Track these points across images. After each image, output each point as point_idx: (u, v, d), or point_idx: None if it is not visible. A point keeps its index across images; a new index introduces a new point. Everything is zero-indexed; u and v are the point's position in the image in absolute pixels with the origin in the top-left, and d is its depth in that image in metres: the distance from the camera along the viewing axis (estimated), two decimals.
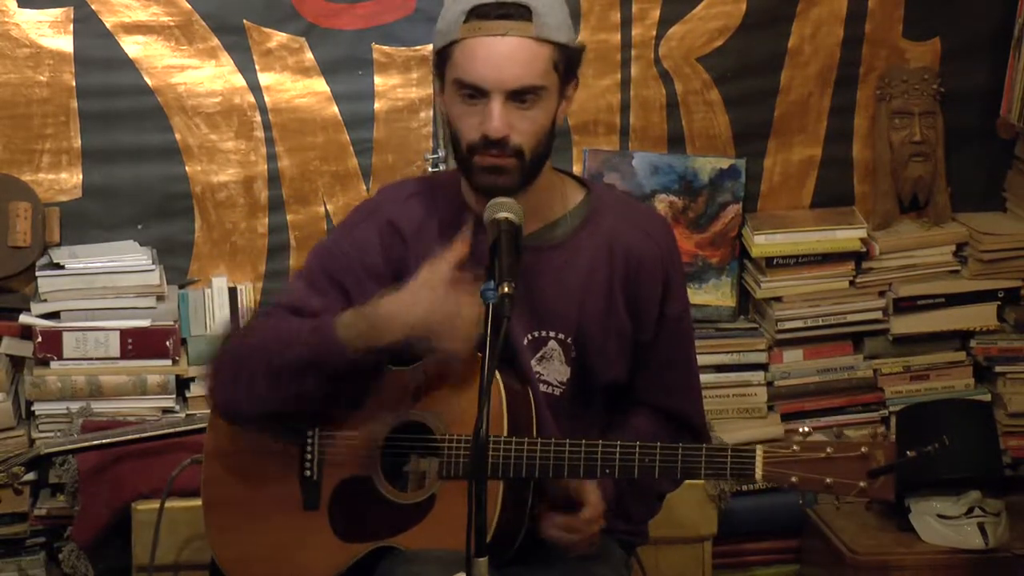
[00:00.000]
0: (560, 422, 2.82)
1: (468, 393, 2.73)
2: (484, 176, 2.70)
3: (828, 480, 2.61)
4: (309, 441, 2.83)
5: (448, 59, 2.71)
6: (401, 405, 2.79)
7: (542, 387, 2.83)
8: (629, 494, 2.85)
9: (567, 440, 2.70)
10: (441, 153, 4.14)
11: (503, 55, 2.66)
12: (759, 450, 2.64)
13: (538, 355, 2.82)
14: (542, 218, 2.81)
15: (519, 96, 2.67)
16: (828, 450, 2.61)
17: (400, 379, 2.81)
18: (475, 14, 2.67)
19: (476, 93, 2.68)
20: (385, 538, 2.79)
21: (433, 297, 2.63)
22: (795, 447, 2.62)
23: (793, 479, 2.62)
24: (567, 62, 2.73)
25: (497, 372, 2.64)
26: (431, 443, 2.77)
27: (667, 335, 2.88)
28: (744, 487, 4.04)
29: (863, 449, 2.61)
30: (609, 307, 2.81)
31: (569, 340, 2.82)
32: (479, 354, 2.71)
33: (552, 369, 2.82)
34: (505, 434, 2.69)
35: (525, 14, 2.66)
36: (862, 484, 2.61)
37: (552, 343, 2.82)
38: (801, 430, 2.68)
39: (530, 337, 2.81)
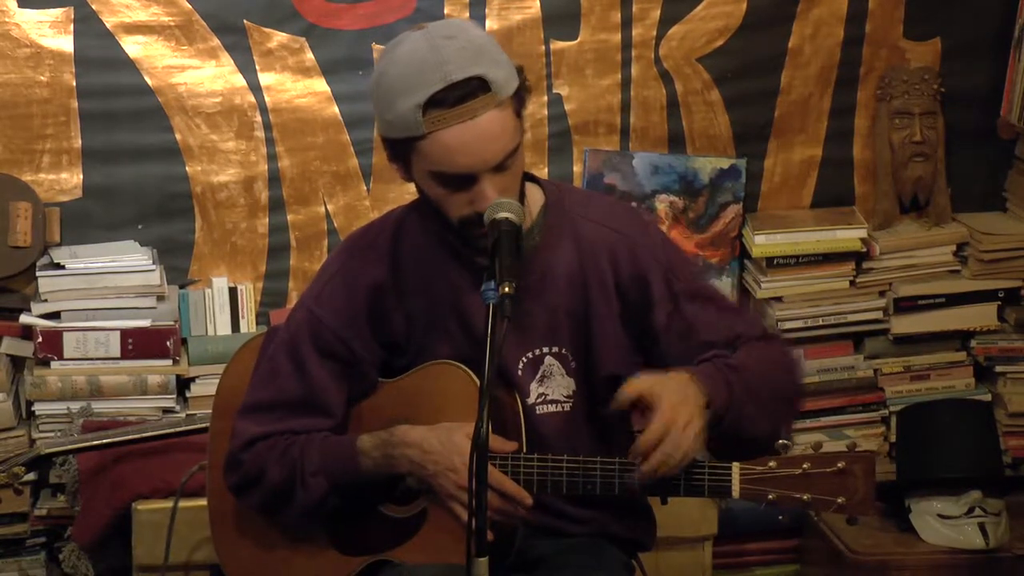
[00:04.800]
0: (581, 436, 2.79)
1: (453, 405, 2.72)
2: (484, 240, 2.63)
3: (806, 497, 2.59)
4: None
5: (413, 151, 2.60)
6: (388, 415, 2.78)
7: (550, 407, 2.79)
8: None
9: (549, 456, 2.67)
10: None
11: (479, 138, 2.56)
12: (735, 467, 2.61)
13: (538, 376, 2.78)
14: None
15: (502, 164, 2.60)
16: (805, 466, 2.59)
17: (386, 388, 2.81)
18: (432, 104, 2.54)
19: (459, 179, 2.60)
20: (381, 552, 2.79)
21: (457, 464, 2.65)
22: (772, 463, 2.60)
23: (770, 496, 2.60)
24: (521, 99, 2.65)
25: (476, 380, 2.66)
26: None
27: (698, 311, 2.77)
28: None
29: (840, 464, 2.59)
30: (589, 305, 2.77)
31: (563, 351, 2.79)
32: (461, 366, 2.73)
33: (555, 385, 2.79)
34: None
35: (482, 87, 2.55)
36: (840, 500, 2.59)
37: (548, 359, 2.78)
38: (779, 442, 2.65)
39: (525, 359, 2.78)
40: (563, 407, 2.80)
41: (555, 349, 2.79)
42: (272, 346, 2.84)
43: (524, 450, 2.70)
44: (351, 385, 2.80)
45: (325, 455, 2.75)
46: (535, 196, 2.79)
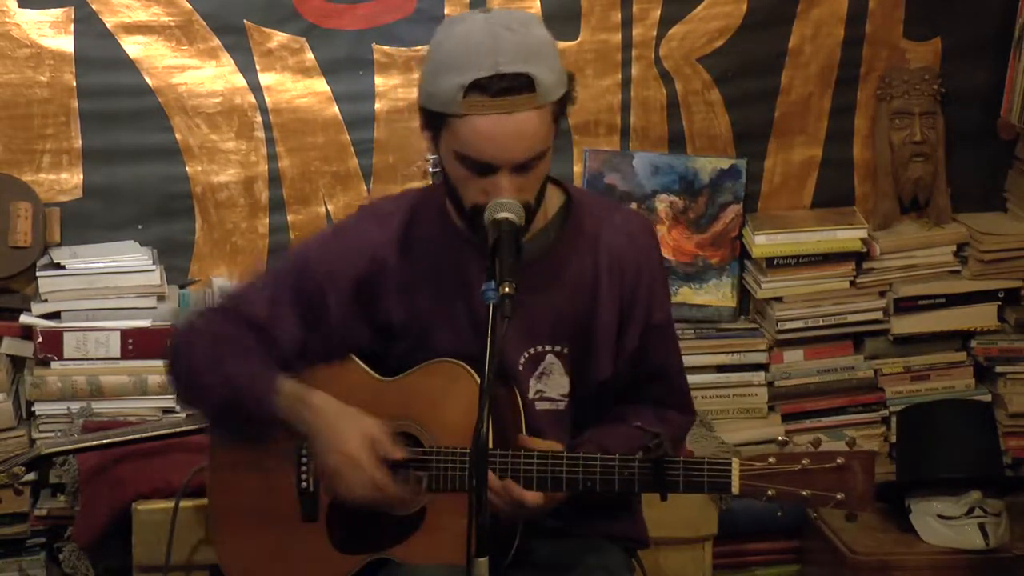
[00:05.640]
0: (568, 436, 2.80)
1: (455, 403, 2.73)
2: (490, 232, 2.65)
3: (805, 492, 2.60)
4: (304, 453, 2.84)
5: (445, 126, 2.63)
6: (389, 414, 2.78)
7: (545, 404, 2.81)
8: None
9: (549, 453, 2.68)
10: None
11: (511, 133, 2.59)
12: (735, 463, 2.62)
13: (537, 372, 2.80)
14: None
15: (526, 164, 2.63)
16: (804, 462, 2.59)
17: (387, 389, 2.81)
18: (476, 88, 2.57)
19: (482, 167, 2.62)
20: (380, 550, 2.80)
21: (361, 473, 2.70)
22: (771, 459, 2.60)
23: (770, 492, 2.61)
24: (563, 108, 2.68)
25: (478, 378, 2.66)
26: (420, 455, 2.77)
27: (657, 344, 2.87)
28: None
29: (839, 460, 2.59)
30: (597, 309, 2.80)
31: (566, 350, 2.80)
32: (464, 365, 2.74)
33: (553, 383, 2.81)
34: (489, 447, 2.66)
35: (528, 85, 2.58)
36: (839, 496, 2.59)
37: (550, 356, 2.80)
38: (779, 438, 2.66)
39: (527, 355, 2.79)
40: (557, 405, 2.82)
41: (557, 348, 2.80)
42: (267, 271, 2.91)
43: (523, 451, 2.71)
44: (310, 338, 2.80)
45: (250, 369, 2.75)
46: (554, 197, 2.81)
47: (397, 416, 2.78)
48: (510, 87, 2.57)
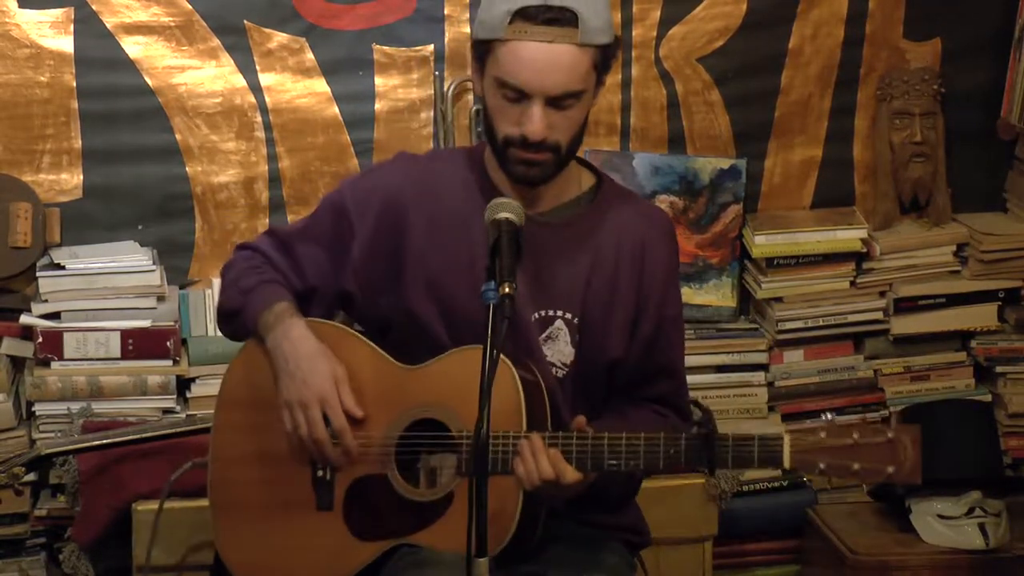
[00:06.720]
0: (566, 406, 2.83)
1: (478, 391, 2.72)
2: (518, 168, 2.77)
3: (855, 466, 2.62)
4: None
5: (489, 53, 2.73)
6: (413, 402, 2.80)
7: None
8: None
9: (590, 432, 2.68)
10: None
11: (547, 62, 2.69)
12: (787, 438, 2.63)
13: (544, 335, 2.83)
14: (556, 198, 2.86)
15: (559, 100, 2.72)
16: (855, 436, 2.62)
17: (411, 376, 2.82)
18: (521, 15, 2.68)
19: (517, 94, 2.71)
20: (404, 536, 2.79)
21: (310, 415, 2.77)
22: (822, 434, 2.63)
23: (821, 465, 2.63)
24: (606, 60, 2.77)
25: (512, 366, 2.69)
26: (448, 440, 2.77)
27: (669, 336, 2.90)
28: (745, 487, 4.05)
29: (889, 435, 2.62)
30: (614, 287, 2.84)
31: (575, 320, 2.83)
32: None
33: (557, 350, 2.84)
34: (524, 428, 2.69)
35: (571, 20, 2.68)
36: (890, 470, 2.61)
37: (559, 322, 2.83)
38: (826, 416, 2.69)
39: (537, 316, 2.83)
40: (558, 372, 2.85)
41: (567, 315, 2.84)
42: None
43: (549, 430, 2.72)
44: (334, 268, 2.91)
45: (261, 284, 2.89)
46: (586, 176, 2.92)
47: (422, 403, 2.79)
48: (555, 19, 2.68)
